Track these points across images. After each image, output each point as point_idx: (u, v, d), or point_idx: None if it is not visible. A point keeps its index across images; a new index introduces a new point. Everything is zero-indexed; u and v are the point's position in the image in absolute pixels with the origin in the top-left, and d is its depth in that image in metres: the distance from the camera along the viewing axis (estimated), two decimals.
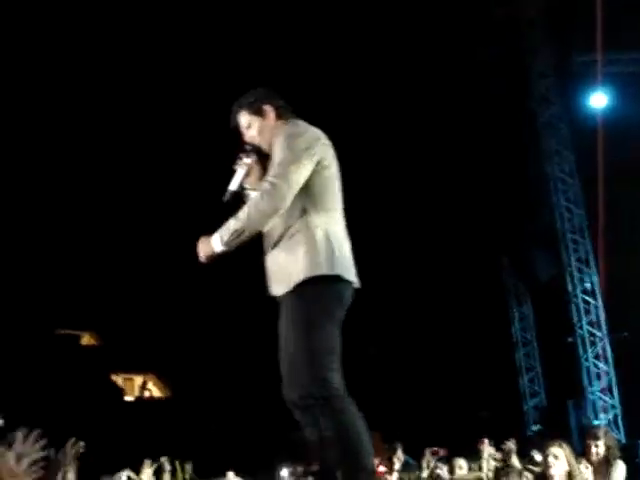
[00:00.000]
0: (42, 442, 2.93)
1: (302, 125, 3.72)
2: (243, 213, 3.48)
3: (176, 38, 17.28)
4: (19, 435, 2.89)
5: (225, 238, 3.49)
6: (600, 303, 15.15)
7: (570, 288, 15.31)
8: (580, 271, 15.34)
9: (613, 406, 14.62)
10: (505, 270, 19.37)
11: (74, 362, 23.63)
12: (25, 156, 19.22)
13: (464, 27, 16.52)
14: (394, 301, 19.59)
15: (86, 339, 27.83)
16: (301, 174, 3.51)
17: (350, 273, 3.61)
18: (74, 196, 20.70)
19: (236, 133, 3.91)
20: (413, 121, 17.66)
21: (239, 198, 3.75)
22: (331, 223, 3.60)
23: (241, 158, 3.79)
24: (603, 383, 14.79)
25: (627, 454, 7.47)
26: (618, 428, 14.25)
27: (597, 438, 5.95)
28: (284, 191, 3.45)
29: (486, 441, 8.43)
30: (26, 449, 2.86)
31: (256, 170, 3.79)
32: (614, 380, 14.78)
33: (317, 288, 3.46)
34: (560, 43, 16.02)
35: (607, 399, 14.67)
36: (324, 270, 3.46)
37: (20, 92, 17.69)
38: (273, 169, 3.53)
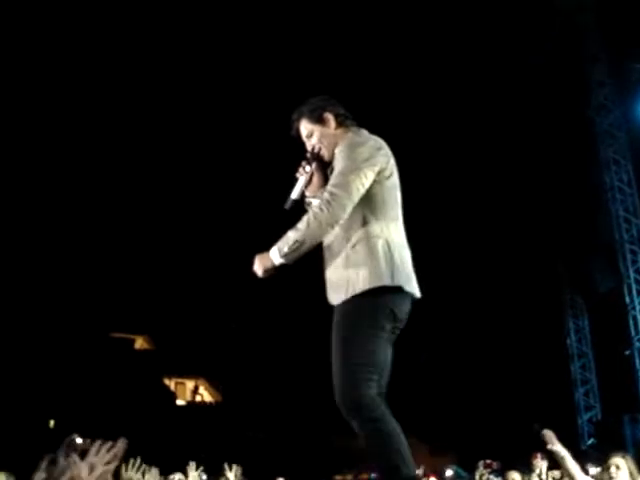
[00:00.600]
0: (113, 453, 2.99)
1: (364, 134, 3.70)
2: (302, 224, 3.43)
3: (237, 45, 17.46)
4: (93, 446, 2.95)
5: (284, 250, 3.43)
6: None
7: (628, 300, 15.00)
8: (638, 283, 15.02)
9: None
10: (562, 282, 19.06)
11: (128, 365, 23.90)
12: (81, 167, 19.59)
13: (523, 35, 16.41)
14: (450, 310, 19.45)
15: (139, 343, 28.15)
16: (362, 184, 3.47)
17: (411, 284, 3.57)
18: (131, 203, 20.99)
19: (298, 141, 3.89)
20: (473, 131, 17.59)
21: (300, 206, 3.73)
22: (392, 233, 3.56)
23: (303, 166, 3.77)
24: None
25: None
26: None
27: None
28: (344, 201, 3.42)
29: (539, 455, 8.26)
30: (99, 460, 2.92)
31: (317, 178, 3.77)
32: None
33: (375, 299, 3.42)
34: (618, 51, 15.78)
35: None
36: (385, 281, 3.42)
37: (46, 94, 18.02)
38: (334, 178, 3.50)
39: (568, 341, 18.73)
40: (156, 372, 26.00)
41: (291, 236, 3.43)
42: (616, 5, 15.29)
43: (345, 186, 3.43)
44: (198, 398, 29.01)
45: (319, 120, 3.78)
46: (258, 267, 3.54)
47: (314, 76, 15.42)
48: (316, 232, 3.43)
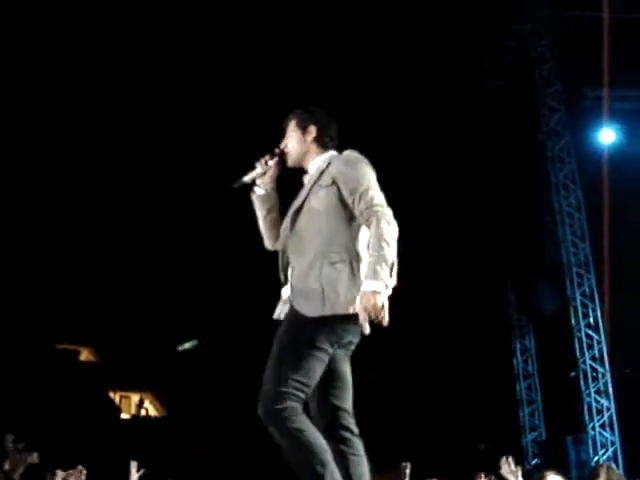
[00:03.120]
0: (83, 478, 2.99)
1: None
2: (378, 250, 3.36)
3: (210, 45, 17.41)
4: (59, 473, 2.97)
5: (384, 275, 3.33)
6: (603, 338, 15.02)
7: (574, 322, 15.19)
8: (584, 305, 15.22)
9: (613, 442, 14.47)
10: (509, 303, 19.21)
11: (72, 378, 23.53)
12: (30, 165, 19.26)
13: (475, 59, 16.62)
14: (397, 328, 19.48)
15: (85, 355, 27.76)
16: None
17: None
18: (76, 211, 20.69)
19: (280, 135, 4.00)
20: (420, 153, 17.68)
21: (246, 191, 3.88)
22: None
23: (265, 159, 3.89)
24: (604, 419, 14.66)
25: None
26: (618, 465, 14.04)
27: (597, 476, 5.84)
28: (387, 210, 3.52)
29: (483, 475, 8.31)
30: None
31: (272, 173, 3.90)
32: (615, 416, 14.63)
33: (339, 326, 3.43)
34: (572, 76, 16.03)
35: (607, 435, 14.53)
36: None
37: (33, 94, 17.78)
38: (363, 199, 3.52)
39: (514, 361, 18.87)
40: (101, 385, 25.64)
41: (381, 266, 3.34)
42: (571, 31, 15.58)
43: (377, 199, 3.55)
44: (143, 412, 28.66)
45: (303, 127, 3.89)
46: (379, 312, 3.35)
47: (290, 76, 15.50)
48: (394, 248, 3.44)
